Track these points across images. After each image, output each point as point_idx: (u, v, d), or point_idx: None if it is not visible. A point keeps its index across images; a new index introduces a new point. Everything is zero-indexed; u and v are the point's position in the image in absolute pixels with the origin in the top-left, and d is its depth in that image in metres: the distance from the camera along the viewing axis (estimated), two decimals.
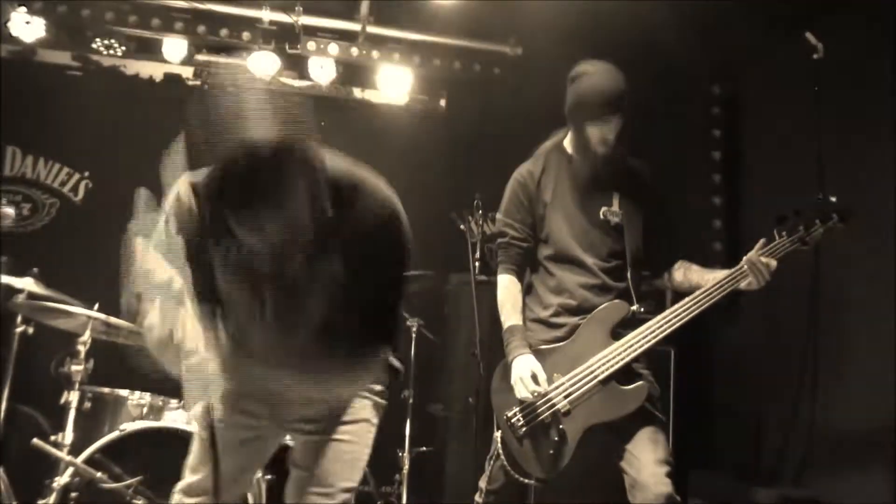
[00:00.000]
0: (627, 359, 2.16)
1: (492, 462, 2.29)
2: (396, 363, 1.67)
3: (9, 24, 4.00)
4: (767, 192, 3.71)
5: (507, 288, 2.33)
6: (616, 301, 2.25)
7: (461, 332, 3.82)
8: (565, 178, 2.33)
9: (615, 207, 2.30)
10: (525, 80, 4.30)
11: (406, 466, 3.41)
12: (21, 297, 2.99)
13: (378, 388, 1.75)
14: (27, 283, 2.98)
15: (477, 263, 3.44)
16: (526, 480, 2.18)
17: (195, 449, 1.73)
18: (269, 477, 2.78)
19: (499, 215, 2.40)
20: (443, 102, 4.77)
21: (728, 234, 3.90)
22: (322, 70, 4.29)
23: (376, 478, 3.44)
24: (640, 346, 2.16)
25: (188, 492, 1.70)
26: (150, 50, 4.36)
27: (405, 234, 1.52)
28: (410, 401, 3.51)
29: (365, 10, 4.11)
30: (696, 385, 3.80)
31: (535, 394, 2.16)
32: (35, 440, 2.81)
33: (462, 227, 3.49)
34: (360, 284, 1.49)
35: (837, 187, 2.27)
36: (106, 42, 4.25)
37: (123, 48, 4.28)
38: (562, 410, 2.16)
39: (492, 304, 2.46)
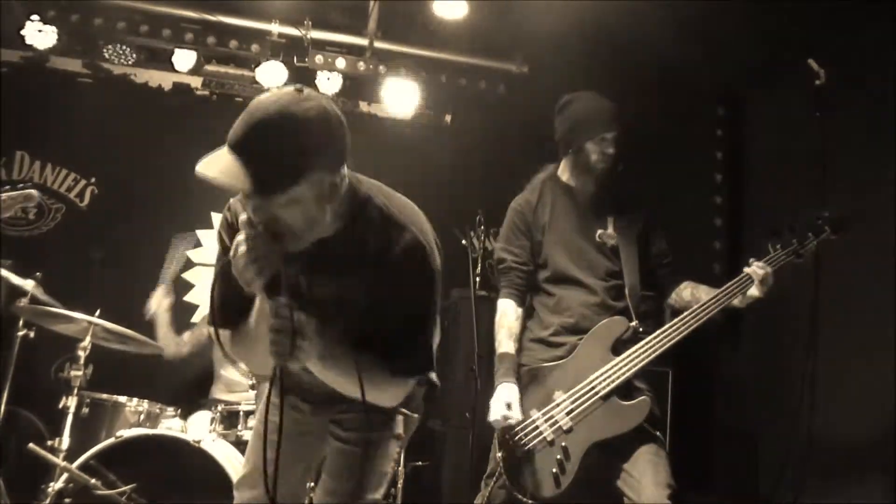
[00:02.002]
0: (628, 374, 2.16)
1: (490, 482, 2.28)
2: (433, 378, 1.66)
3: (23, 32, 4.05)
4: (770, 214, 3.71)
5: (505, 313, 2.37)
6: (615, 317, 2.27)
7: (460, 347, 3.82)
8: (561, 206, 2.41)
9: (610, 230, 2.36)
10: (530, 98, 4.33)
11: (401, 481, 3.39)
12: (23, 301, 3.02)
13: (409, 402, 1.73)
14: (30, 287, 3.00)
15: (477, 279, 3.45)
16: (529, 501, 2.15)
17: (249, 442, 1.85)
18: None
19: (498, 244, 2.48)
20: (448, 118, 4.81)
21: (729, 255, 3.90)
22: (329, 82, 4.34)
23: None
24: (640, 361, 2.17)
25: (238, 485, 1.77)
26: (159, 59, 4.40)
27: (434, 270, 1.49)
28: None
29: (373, 25, 4.15)
30: (695, 406, 3.79)
31: (505, 419, 2.18)
32: (31, 445, 2.82)
33: (464, 242, 3.50)
34: (387, 312, 1.47)
35: (840, 205, 2.30)
36: (117, 51, 4.30)
37: (134, 57, 4.33)
38: (564, 428, 2.16)
39: (491, 320, 2.48)
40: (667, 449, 3.41)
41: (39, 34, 4.11)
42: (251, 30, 4.23)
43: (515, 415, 2.19)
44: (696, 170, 4.18)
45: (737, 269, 2.31)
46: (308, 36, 4.16)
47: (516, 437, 2.20)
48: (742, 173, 4.05)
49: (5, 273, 3.05)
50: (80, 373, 2.81)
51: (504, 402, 2.20)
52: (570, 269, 2.32)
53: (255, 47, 4.27)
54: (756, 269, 2.20)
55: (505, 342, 2.31)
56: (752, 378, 3.67)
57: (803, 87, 2.99)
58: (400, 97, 4.44)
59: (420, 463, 3.60)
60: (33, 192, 2.05)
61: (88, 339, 2.85)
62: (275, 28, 4.19)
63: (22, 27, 4.13)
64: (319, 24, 4.19)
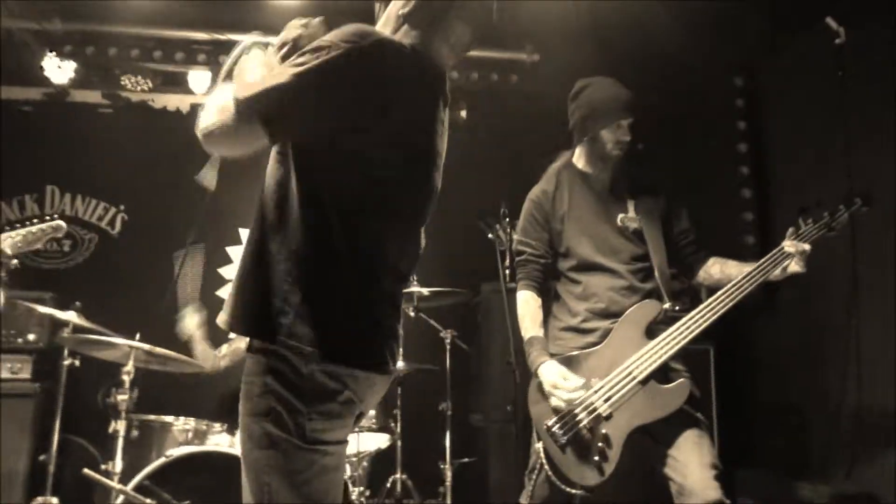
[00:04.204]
0: (665, 357, 2.14)
1: (533, 476, 2.27)
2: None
3: (43, 69, 4.16)
4: (797, 181, 3.64)
5: (526, 302, 2.36)
6: (647, 300, 2.25)
7: (495, 341, 3.82)
8: (579, 193, 2.39)
9: (631, 214, 2.34)
10: (544, 85, 4.30)
11: (449, 479, 3.41)
12: (66, 331, 3.09)
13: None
14: (71, 317, 3.08)
15: (507, 271, 3.44)
16: (572, 490, 2.14)
17: None
18: None
19: (516, 236, 2.48)
20: (463, 113, 4.80)
21: (760, 225, 3.84)
22: None
23: (420, 492, 3.45)
24: (677, 343, 2.14)
25: None
26: (175, 83, 4.47)
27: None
28: (449, 413, 3.51)
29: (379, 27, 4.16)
30: (738, 382, 3.74)
31: (574, 394, 2.14)
32: (86, 470, 2.89)
33: (490, 235, 3.50)
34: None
35: (866, 170, 2.24)
36: (133, 78, 4.38)
37: (150, 83, 4.40)
38: (603, 415, 2.14)
39: None
40: (712, 428, 3.41)
41: (59, 70, 4.22)
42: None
43: (577, 382, 2.14)
44: (719, 142, 4.12)
45: (770, 238, 2.28)
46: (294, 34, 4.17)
47: (555, 428, 2.18)
48: (767, 141, 3.98)
49: (45, 309, 3.13)
50: (125, 397, 2.87)
51: (560, 379, 2.15)
52: (593, 255, 2.31)
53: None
54: (794, 244, 2.14)
55: (531, 327, 2.31)
56: (793, 350, 3.61)
57: (822, 48, 2.93)
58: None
59: (466, 460, 3.61)
60: (60, 222, 2.10)
61: (131, 363, 2.90)
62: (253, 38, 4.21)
63: (40, 65, 4.23)
64: (260, 45, 4.19)
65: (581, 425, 2.15)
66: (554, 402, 2.17)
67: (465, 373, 3.78)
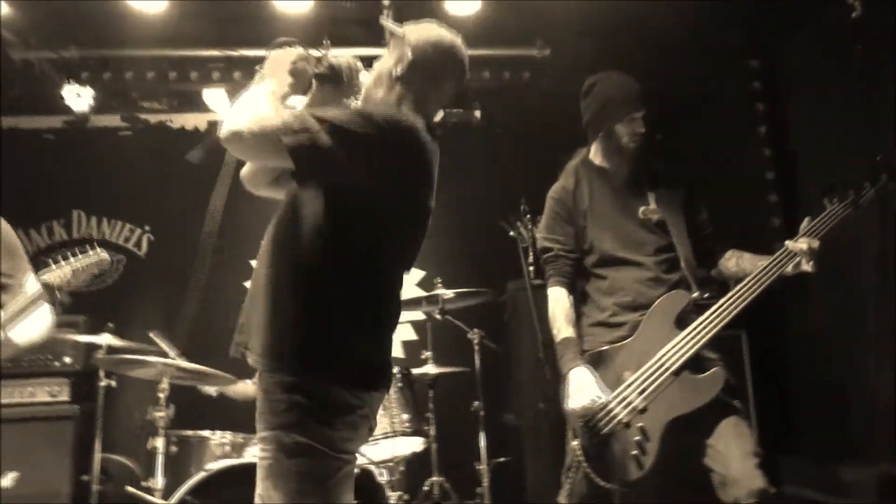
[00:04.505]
0: (697, 346, 2.12)
1: (570, 474, 2.25)
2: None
3: (63, 98, 4.24)
4: (821, 160, 3.59)
5: (558, 300, 2.34)
6: (676, 290, 2.23)
7: (523, 339, 3.81)
8: (598, 189, 2.38)
9: (652, 206, 2.33)
10: (556, 79, 4.28)
11: (486, 479, 3.40)
12: (101, 353, 3.15)
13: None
14: (105, 339, 3.13)
15: (531, 268, 3.43)
16: (612, 486, 2.12)
17: None
18: None
19: (540, 234, 2.46)
20: (477, 113, 4.79)
21: (785, 206, 3.78)
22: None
23: (458, 493, 3.45)
24: (708, 332, 2.12)
25: None
26: (192, 101, 4.53)
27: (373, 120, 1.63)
28: (482, 413, 3.51)
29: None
30: (773, 367, 3.68)
31: (597, 400, 2.13)
32: (128, 487, 2.95)
33: (512, 233, 3.50)
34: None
35: (891, 145, 2.20)
36: (150, 101, 4.45)
37: (167, 104, 4.47)
38: (638, 408, 2.12)
39: None
40: (750, 415, 3.36)
41: (78, 98, 4.29)
42: None
43: (601, 394, 2.13)
44: (738, 126, 4.07)
45: (796, 219, 2.24)
46: (328, 55, 4.21)
47: (590, 424, 2.17)
48: (787, 122, 3.93)
49: (79, 337, 3.19)
50: (162, 413, 2.92)
51: (585, 385, 2.15)
52: (617, 250, 2.30)
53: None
54: (797, 243, 2.11)
55: (564, 327, 2.29)
56: (828, 331, 3.55)
57: (838, 23, 2.88)
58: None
59: (501, 460, 3.60)
60: (105, 256, 2.15)
61: (166, 380, 2.95)
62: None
63: (59, 93, 4.32)
64: (337, 41, 4.22)
65: (616, 420, 2.14)
66: (570, 404, 2.16)
67: (495, 372, 3.78)
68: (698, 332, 2.13)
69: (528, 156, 4.39)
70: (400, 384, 3.16)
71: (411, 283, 4.70)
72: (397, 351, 4.65)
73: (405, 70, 1.69)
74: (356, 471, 3.02)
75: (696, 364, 2.13)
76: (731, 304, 2.12)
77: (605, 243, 2.31)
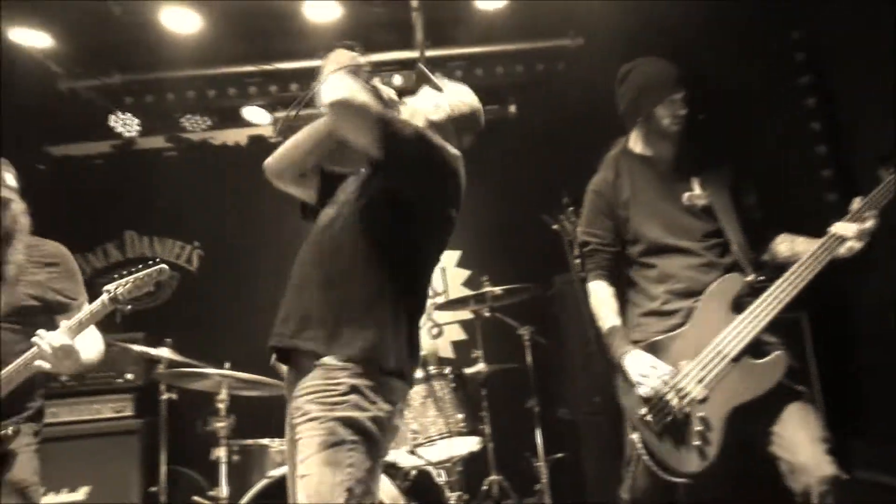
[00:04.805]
0: (756, 330, 2.05)
1: (631, 468, 2.21)
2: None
3: (112, 127, 4.39)
4: (874, 129, 3.44)
5: (599, 292, 2.32)
6: (729, 275, 2.16)
7: (573, 333, 3.78)
8: (640, 177, 2.33)
9: (697, 191, 2.27)
10: (592, 68, 4.22)
11: (545, 476, 3.38)
12: (161, 367, 3.24)
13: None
14: (164, 354, 3.22)
15: (577, 261, 3.40)
16: (676, 479, 2.07)
17: None
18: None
19: (580, 227, 2.43)
20: (513, 108, 4.77)
21: (840, 180, 3.64)
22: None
23: (517, 491, 3.43)
24: (766, 315, 2.05)
25: None
26: (231, 117, 4.63)
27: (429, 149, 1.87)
28: (536, 409, 3.48)
29: (420, 35, 4.18)
30: (838, 348, 3.55)
31: (664, 383, 2.08)
32: (195, 498, 3.02)
33: (555, 227, 3.46)
34: None
35: None
36: (192, 120, 4.56)
37: (209, 122, 4.57)
38: (698, 398, 2.06)
39: None
40: (815, 399, 3.24)
41: (125, 125, 4.44)
42: (307, 69, 4.36)
43: (665, 371, 2.09)
44: (784, 101, 3.93)
45: (853, 192, 2.15)
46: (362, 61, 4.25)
47: (648, 417, 2.12)
48: (835, 93, 3.78)
49: (140, 348, 3.29)
50: (223, 424, 2.98)
51: (646, 368, 2.11)
52: (663, 237, 2.24)
53: (314, 85, 4.40)
54: (842, 227, 2.02)
55: (609, 317, 2.26)
56: (892, 308, 3.40)
57: None
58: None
59: (559, 456, 3.57)
60: (163, 266, 2.22)
61: (224, 391, 3.01)
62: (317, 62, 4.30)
63: (105, 119, 4.47)
64: (369, 47, 4.25)
65: (676, 411, 2.09)
66: (643, 391, 2.11)
67: (546, 367, 3.75)
68: (756, 316, 2.06)
69: (567, 147, 4.33)
70: (453, 384, 3.16)
71: (457, 283, 4.70)
72: (447, 351, 4.65)
73: (441, 118, 1.98)
74: (413, 472, 3.06)
75: (756, 349, 2.06)
76: (788, 287, 2.05)
77: (650, 231, 2.27)
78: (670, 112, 2.26)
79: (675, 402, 2.08)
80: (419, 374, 3.15)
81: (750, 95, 3.98)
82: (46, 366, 2.07)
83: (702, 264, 2.20)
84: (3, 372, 2.08)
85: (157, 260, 2.24)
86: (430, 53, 4.29)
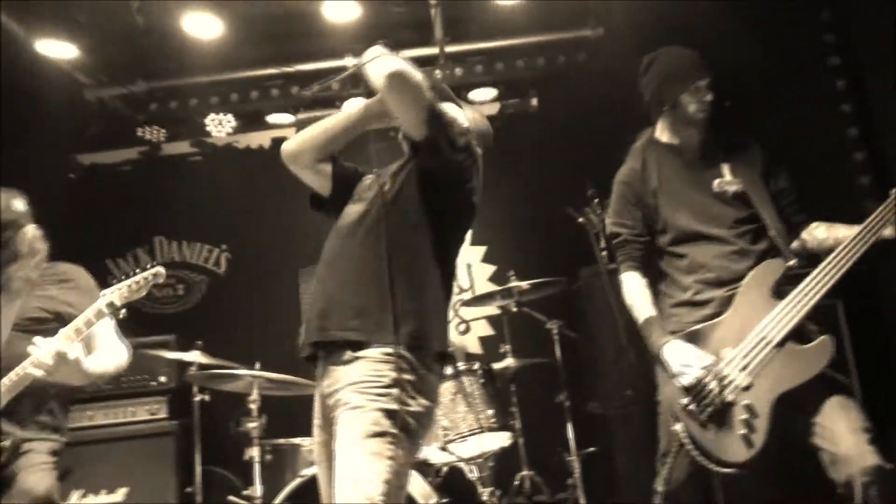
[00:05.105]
0: (800, 316, 2.00)
1: (667, 460, 2.17)
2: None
3: (141, 136, 4.47)
4: None
5: (632, 284, 2.28)
6: (770, 260, 2.12)
7: (602, 325, 3.73)
8: (668, 167, 2.30)
9: (728, 177, 2.23)
10: (614, 58, 4.17)
11: (577, 470, 3.35)
12: (193, 370, 3.28)
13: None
14: (195, 356, 3.26)
15: (604, 253, 3.36)
16: (724, 470, 2.03)
17: None
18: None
19: (609, 218, 2.40)
20: (534, 101, 4.73)
21: (873, 162, 3.55)
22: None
23: (550, 486, 3.42)
24: (810, 300, 1.99)
25: None
26: (255, 120, 4.67)
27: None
28: (567, 403, 3.46)
29: (439, 32, 4.17)
30: (875, 336, 3.46)
31: (707, 372, 2.05)
32: (230, 497, 3.05)
33: (581, 220, 3.43)
34: None
35: None
36: (216, 124, 4.61)
37: (232, 125, 4.62)
38: (742, 385, 2.02)
39: None
40: (854, 388, 3.17)
41: (154, 133, 4.52)
42: (328, 70, 4.38)
43: (706, 360, 2.06)
44: (813, 84, 3.85)
45: (887, 174, 2.09)
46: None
47: (691, 406, 2.08)
48: (865, 74, 3.68)
49: (172, 353, 3.33)
50: (255, 424, 3.01)
51: (687, 357, 2.07)
52: (693, 225, 2.21)
53: (335, 85, 4.42)
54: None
55: (644, 308, 2.22)
56: None
57: None
58: (482, 94, 4.45)
59: (591, 450, 3.54)
60: (159, 269, 2.25)
61: (255, 391, 3.04)
62: (349, 62, 4.31)
63: (131, 127, 4.54)
64: (389, 45, 4.27)
65: (720, 399, 2.04)
66: (685, 380, 2.07)
67: (575, 361, 3.72)
68: (799, 301, 2.01)
69: (590, 139, 4.29)
70: (482, 380, 3.15)
71: (483, 279, 4.69)
72: (475, 347, 4.64)
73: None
74: (445, 469, 3.06)
75: (799, 335, 2.02)
76: (831, 270, 1.99)
77: (680, 220, 2.23)
78: (696, 99, 2.23)
79: (718, 390, 2.04)
80: (448, 370, 3.14)
81: (778, 78, 3.89)
82: (38, 373, 2.08)
83: (733, 252, 2.16)
84: (3, 380, 2.10)
85: (155, 264, 2.28)
86: (449, 49, 4.28)
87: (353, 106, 1.97)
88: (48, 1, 3.60)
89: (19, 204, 2.33)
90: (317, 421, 1.85)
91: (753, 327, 2.04)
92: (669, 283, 2.27)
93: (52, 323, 2.27)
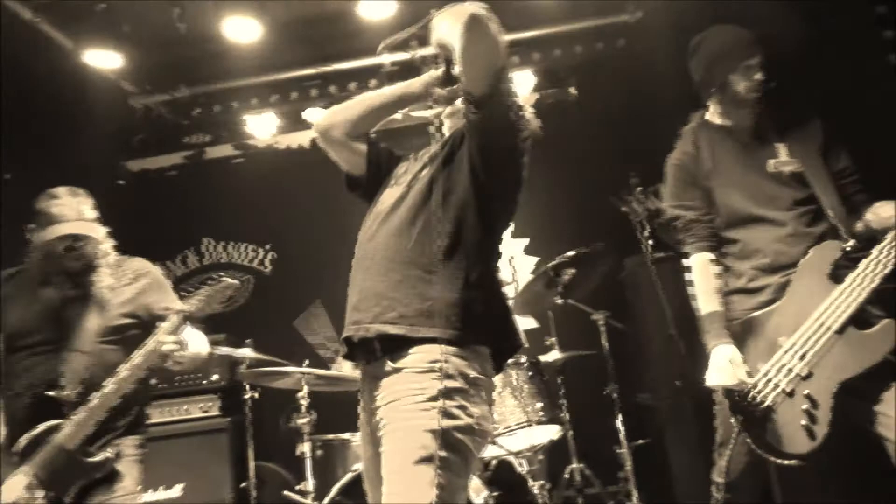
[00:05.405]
0: (861, 299, 1.93)
1: (725, 451, 2.12)
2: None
3: (186, 140, 4.58)
4: None
5: (700, 269, 2.20)
6: (826, 242, 2.05)
7: (649, 315, 3.67)
8: (721, 148, 2.24)
9: (783, 157, 2.15)
10: (653, 41, 4.09)
11: (629, 462, 3.31)
12: (243, 367, 3.35)
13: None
14: (246, 354, 3.32)
15: (649, 242, 3.30)
16: (785, 462, 1.98)
17: None
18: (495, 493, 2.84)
19: (666, 203, 2.33)
20: (573, 90, 4.67)
21: None
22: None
23: (601, 478, 3.38)
24: (870, 283, 1.92)
25: None
26: (295, 120, 4.72)
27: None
28: (616, 395, 3.41)
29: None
30: None
31: (735, 382, 2.01)
32: (284, 492, 3.10)
33: (624, 209, 3.38)
34: None
35: None
36: (257, 124, 4.68)
37: (274, 126, 4.69)
38: (801, 374, 1.96)
39: (675, 280, 2.34)
40: None
41: (195, 135, 4.62)
42: (365, 68, 4.41)
43: (741, 376, 2.02)
44: (867, 58, 3.69)
45: None
46: (417, 55, 4.25)
47: (749, 397, 2.03)
48: None
49: (225, 350, 3.41)
50: (305, 420, 3.05)
51: (725, 364, 2.03)
52: (748, 208, 2.14)
53: (372, 82, 4.44)
54: None
55: (708, 300, 2.15)
56: None
57: None
58: (520, 82, 4.40)
59: (641, 442, 3.49)
60: (231, 281, 2.30)
61: (304, 388, 3.08)
62: (385, 58, 4.32)
63: (176, 132, 4.65)
64: (423, 41, 4.26)
65: (779, 389, 1.99)
66: (711, 382, 2.04)
67: (623, 352, 3.66)
68: (859, 284, 1.94)
69: (631, 126, 4.22)
70: (529, 373, 3.13)
71: (526, 271, 4.66)
72: None
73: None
74: (494, 462, 3.04)
75: (859, 320, 1.95)
76: (892, 251, 1.92)
77: (734, 202, 2.17)
78: (746, 78, 2.17)
79: (777, 380, 1.99)
80: None
81: (829, 54, 3.75)
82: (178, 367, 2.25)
83: (789, 235, 2.09)
84: (118, 382, 2.15)
85: (227, 277, 2.34)
86: None
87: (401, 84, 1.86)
88: (94, 13, 3.70)
89: (88, 211, 2.30)
90: (365, 436, 1.70)
91: (810, 313, 1.98)
92: (722, 270, 2.21)
93: (134, 329, 2.34)
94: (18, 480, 2.07)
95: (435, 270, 1.57)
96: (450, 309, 1.53)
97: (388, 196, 1.76)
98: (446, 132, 1.86)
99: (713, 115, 2.30)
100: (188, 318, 2.23)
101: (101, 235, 2.34)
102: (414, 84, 1.84)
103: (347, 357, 1.71)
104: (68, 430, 2.11)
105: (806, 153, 2.14)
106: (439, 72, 1.80)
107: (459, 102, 1.81)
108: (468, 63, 1.59)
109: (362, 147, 1.89)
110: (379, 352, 1.59)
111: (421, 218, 1.63)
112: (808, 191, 2.12)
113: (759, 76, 2.17)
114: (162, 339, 2.15)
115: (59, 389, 2.15)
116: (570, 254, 3.29)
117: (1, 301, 2.28)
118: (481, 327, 1.57)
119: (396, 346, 1.55)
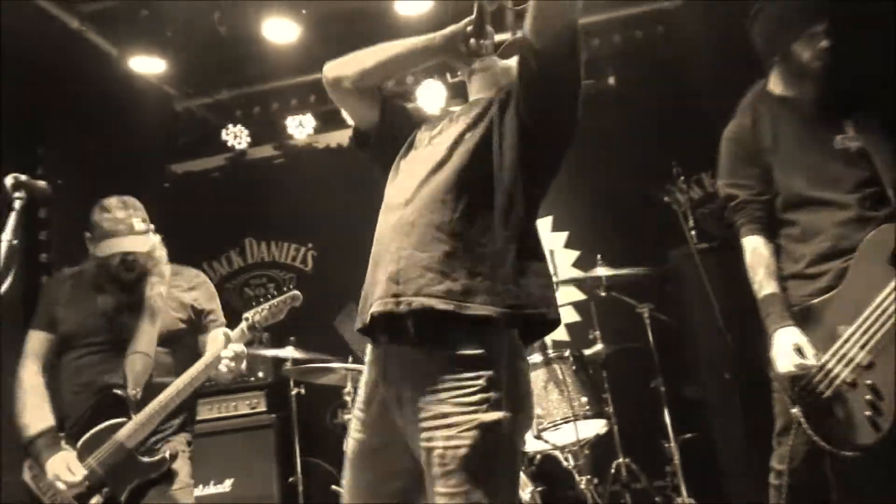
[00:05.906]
0: None
1: (785, 439, 2.05)
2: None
3: (225, 141, 4.65)
4: None
5: (756, 250, 2.11)
6: (885, 225, 1.95)
7: (694, 307, 3.60)
8: (783, 122, 2.12)
9: (850, 132, 2.03)
10: (693, 27, 3.99)
11: (676, 456, 3.26)
12: (288, 365, 3.40)
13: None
14: (290, 352, 3.38)
15: (693, 232, 3.24)
16: (847, 453, 1.91)
17: None
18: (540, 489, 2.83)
19: (720, 180, 2.22)
20: (612, 80, 4.59)
21: None
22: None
23: (647, 473, 3.33)
24: None
25: None
26: (333, 119, 4.77)
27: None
28: (662, 389, 3.36)
29: (510, 17, 4.11)
30: None
31: (801, 367, 1.93)
32: (334, 487, 3.15)
33: (667, 199, 3.31)
34: None
35: None
36: (297, 125, 4.73)
37: (313, 126, 4.74)
38: (863, 364, 1.89)
39: (721, 272, 2.27)
40: None
41: (236, 137, 4.70)
42: None
43: (810, 358, 1.94)
44: None
45: None
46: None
47: (809, 387, 1.96)
48: None
49: (268, 351, 3.47)
50: (350, 416, 3.08)
51: (792, 348, 1.95)
52: (809, 189, 2.04)
53: (409, 79, 4.45)
54: None
55: (766, 283, 2.06)
56: None
57: None
58: None
59: (688, 436, 3.43)
60: (296, 292, 2.36)
61: (349, 384, 3.12)
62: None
63: (218, 134, 4.73)
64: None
65: (840, 379, 1.92)
66: (781, 368, 1.96)
67: (668, 345, 3.60)
68: None
69: (672, 115, 4.14)
70: (573, 367, 3.11)
71: (567, 265, 4.62)
72: (561, 334, 4.58)
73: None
74: (538, 457, 3.01)
75: None
76: None
77: (794, 182, 2.06)
78: (811, 47, 2.04)
79: (837, 370, 1.92)
80: (538, 357, 3.12)
81: None
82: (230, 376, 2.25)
83: (851, 218, 1.99)
84: (181, 386, 2.21)
85: (293, 288, 2.37)
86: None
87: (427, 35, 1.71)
88: (138, 20, 3.79)
89: (139, 223, 2.29)
90: (359, 414, 1.56)
91: (871, 300, 1.90)
92: (780, 253, 2.12)
93: (187, 337, 2.40)
94: (62, 457, 2.12)
95: (485, 243, 1.42)
96: (502, 285, 1.39)
97: (426, 157, 1.56)
98: (473, 91, 1.72)
99: (775, 85, 2.18)
100: (252, 328, 2.27)
101: (152, 246, 2.35)
102: (436, 38, 1.68)
103: (364, 332, 1.53)
104: (130, 428, 2.16)
105: (872, 127, 2.03)
106: (469, 24, 1.66)
107: (488, 59, 1.70)
108: (538, 18, 1.46)
109: (375, 100, 1.73)
110: (412, 330, 1.40)
111: (470, 184, 1.47)
112: (871, 170, 2.01)
113: (824, 44, 2.04)
114: (228, 349, 2.19)
115: (121, 389, 2.21)
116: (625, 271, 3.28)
117: (59, 298, 2.34)
118: (529, 304, 1.41)
119: (436, 326, 1.38)
